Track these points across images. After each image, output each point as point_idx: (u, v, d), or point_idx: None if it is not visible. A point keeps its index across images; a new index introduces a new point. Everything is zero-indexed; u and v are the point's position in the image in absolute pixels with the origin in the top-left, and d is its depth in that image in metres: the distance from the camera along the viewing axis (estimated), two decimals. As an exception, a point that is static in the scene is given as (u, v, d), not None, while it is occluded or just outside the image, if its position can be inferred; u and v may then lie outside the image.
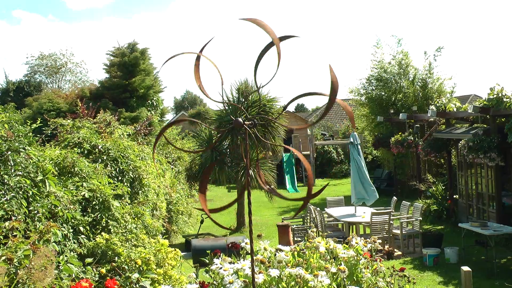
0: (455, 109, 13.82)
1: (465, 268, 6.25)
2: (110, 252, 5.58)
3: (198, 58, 2.85)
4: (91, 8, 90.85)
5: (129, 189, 7.99)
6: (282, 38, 2.74)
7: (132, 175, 8.28)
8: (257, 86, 2.77)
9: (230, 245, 5.58)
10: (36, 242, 4.08)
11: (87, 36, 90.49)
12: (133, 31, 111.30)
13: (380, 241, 8.28)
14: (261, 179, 2.90)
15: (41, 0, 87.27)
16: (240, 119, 2.94)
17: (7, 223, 4.26)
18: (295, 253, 4.98)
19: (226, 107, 13.54)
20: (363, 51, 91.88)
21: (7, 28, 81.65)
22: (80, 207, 6.03)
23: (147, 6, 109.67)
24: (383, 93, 20.22)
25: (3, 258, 3.68)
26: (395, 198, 13.06)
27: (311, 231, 5.78)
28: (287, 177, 25.24)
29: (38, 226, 4.82)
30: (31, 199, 4.98)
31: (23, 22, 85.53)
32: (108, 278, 4.80)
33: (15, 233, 4.25)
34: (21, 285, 3.67)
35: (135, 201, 8.14)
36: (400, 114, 17.85)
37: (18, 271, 3.69)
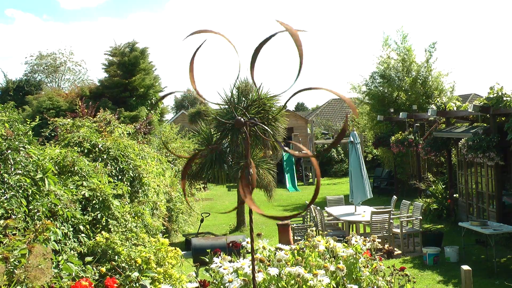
0: (455, 108, 13.82)
1: (465, 267, 6.25)
2: (110, 251, 5.57)
3: (192, 62, 2.80)
4: (85, 8, 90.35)
5: (129, 188, 7.98)
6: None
7: (132, 174, 8.28)
8: (254, 83, 2.74)
9: (230, 244, 5.58)
10: (32, 241, 4.06)
11: (83, 36, 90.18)
12: (130, 31, 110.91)
13: (380, 240, 8.28)
14: (242, 190, 2.63)
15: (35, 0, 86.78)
16: (241, 118, 2.93)
17: (1, 221, 4.25)
18: (295, 251, 4.98)
19: (226, 106, 13.53)
20: (364, 46, 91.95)
21: (1, 27, 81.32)
22: (80, 206, 6.03)
23: (142, 6, 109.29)
24: (386, 91, 20.14)
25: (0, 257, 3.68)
26: (395, 197, 13.06)
27: (311, 230, 5.78)
28: (287, 176, 25.25)
29: (37, 225, 4.81)
30: (31, 198, 4.98)
31: (16, 22, 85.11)
32: (108, 277, 4.80)
33: (14, 232, 4.25)
34: (19, 284, 3.67)
35: (135, 200, 8.14)
36: (401, 113, 17.83)
37: (16, 270, 3.69)
